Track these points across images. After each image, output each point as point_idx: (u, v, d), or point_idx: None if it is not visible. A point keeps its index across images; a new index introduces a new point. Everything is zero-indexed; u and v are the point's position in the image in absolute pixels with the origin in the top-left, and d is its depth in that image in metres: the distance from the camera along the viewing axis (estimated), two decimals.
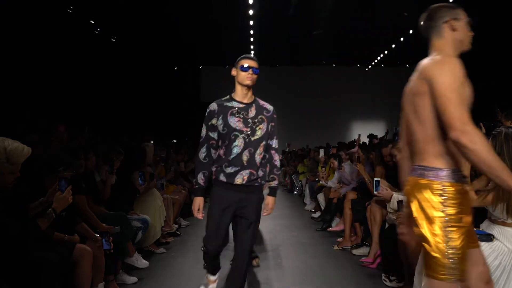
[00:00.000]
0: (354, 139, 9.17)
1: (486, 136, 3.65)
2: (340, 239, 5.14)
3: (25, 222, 2.44)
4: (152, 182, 5.07)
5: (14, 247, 2.35)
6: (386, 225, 3.89)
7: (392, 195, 3.79)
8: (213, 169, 2.79)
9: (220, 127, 2.71)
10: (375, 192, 3.93)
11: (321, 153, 7.65)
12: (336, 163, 6.37)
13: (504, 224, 2.65)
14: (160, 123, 12.79)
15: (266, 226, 6.42)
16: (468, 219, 1.89)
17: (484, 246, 2.63)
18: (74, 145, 4.41)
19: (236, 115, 2.71)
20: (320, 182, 7.02)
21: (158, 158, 5.95)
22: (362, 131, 9.59)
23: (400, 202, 3.58)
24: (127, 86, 11.14)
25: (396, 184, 4.09)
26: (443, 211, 1.83)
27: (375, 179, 3.98)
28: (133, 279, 3.74)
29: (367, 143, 8.44)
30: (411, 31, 11.36)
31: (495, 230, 2.69)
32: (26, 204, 2.59)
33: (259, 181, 2.76)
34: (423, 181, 1.88)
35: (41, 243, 2.66)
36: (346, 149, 6.99)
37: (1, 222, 2.28)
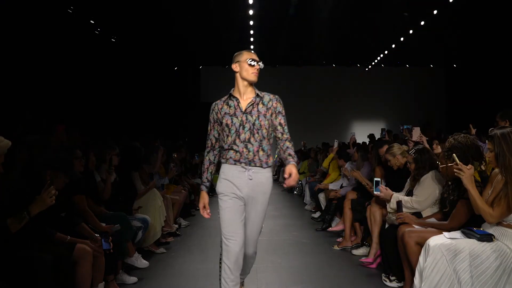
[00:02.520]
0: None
1: (476, 137, 3.65)
2: (340, 239, 5.13)
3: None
4: (152, 182, 5.05)
5: None
6: (386, 225, 3.89)
7: (392, 195, 3.79)
8: None
9: None
10: (375, 193, 3.92)
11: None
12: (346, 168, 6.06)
13: (508, 226, 2.64)
14: (160, 123, 12.78)
15: (266, 226, 6.41)
16: None
17: (485, 246, 2.63)
18: (73, 145, 4.40)
19: None
20: (318, 186, 6.97)
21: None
22: (362, 131, 9.57)
23: (399, 202, 3.58)
24: (127, 86, 11.11)
25: (396, 186, 4.10)
26: None
27: (375, 179, 3.97)
28: (133, 279, 3.74)
29: (367, 143, 8.40)
30: (411, 31, 11.35)
31: (497, 231, 2.68)
32: (25, 203, 2.59)
33: None
34: None
35: (41, 243, 2.66)
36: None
37: None
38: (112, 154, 4.19)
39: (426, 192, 3.56)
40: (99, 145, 4.32)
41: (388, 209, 3.75)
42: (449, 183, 3.27)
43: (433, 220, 3.41)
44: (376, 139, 8.76)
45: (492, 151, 2.71)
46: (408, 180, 3.90)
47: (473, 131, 5.35)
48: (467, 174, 2.73)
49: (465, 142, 3.11)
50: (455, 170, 2.79)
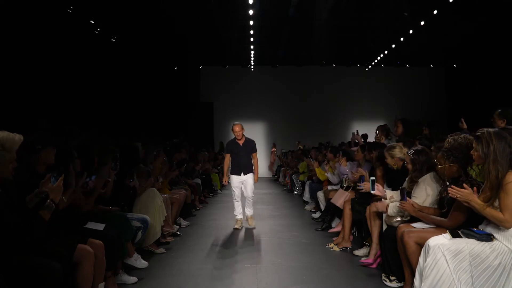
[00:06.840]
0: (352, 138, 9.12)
1: (467, 131, 3.66)
2: (334, 238, 5.13)
3: (25, 216, 2.48)
4: (149, 180, 5.02)
5: (14, 241, 2.36)
6: (385, 226, 3.89)
7: (385, 194, 3.85)
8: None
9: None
10: (371, 192, 3.93)
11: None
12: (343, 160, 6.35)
13: None
14: (160, 123, 12.78)
15: (266, 226, 6.42)
16: None
17: (484, 246, 2.63)
18: (71, 146, 4.39)
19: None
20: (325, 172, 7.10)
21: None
22: (361, 131, 9.56)
23: (403, 189, 3.54)
24: (127, 86, 11.12)
25: (395, 185, 4.11)
26: None
27: (371, 178, 3.97)
28: (133, 279, 3.73)
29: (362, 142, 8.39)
30: (411, 31, 11.36)
31: (495, 230, 2.68)
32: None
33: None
34: None
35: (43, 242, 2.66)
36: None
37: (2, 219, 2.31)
38: (117, 158, 4.18)
39: (425, 194, 3.55)
40: (100, 148, 4.30)
41: (390, 213, 3.73)
42: (447, 183, 3.27)
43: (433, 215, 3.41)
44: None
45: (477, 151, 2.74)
46: (406, 181, 3.90)
47: (465, 125, 5.35)
48: (465, 196, 2.69)
49: (465, 144, 3.09)
50: (455, 195, 2.74)
